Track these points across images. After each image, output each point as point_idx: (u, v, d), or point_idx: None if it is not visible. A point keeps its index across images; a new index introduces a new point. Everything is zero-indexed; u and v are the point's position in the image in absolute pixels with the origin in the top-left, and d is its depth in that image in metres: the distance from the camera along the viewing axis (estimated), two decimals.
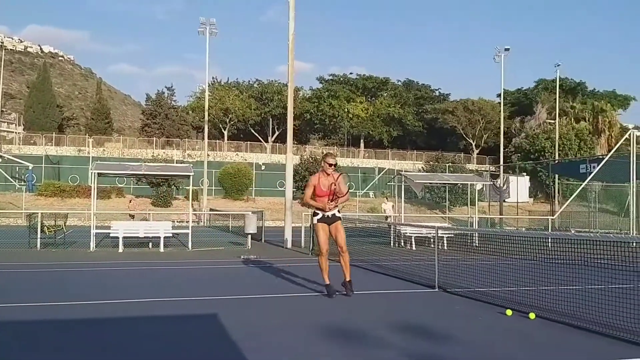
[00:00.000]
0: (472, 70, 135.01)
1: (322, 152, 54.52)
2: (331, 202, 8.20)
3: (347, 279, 8.36)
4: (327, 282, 8.38)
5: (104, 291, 8.90)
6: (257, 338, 5.82)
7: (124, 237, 16.24)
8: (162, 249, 16.21)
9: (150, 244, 17.09)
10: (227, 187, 45.61)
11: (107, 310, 7.28)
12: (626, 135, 21.44)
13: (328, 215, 8.26)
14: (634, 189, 19.94)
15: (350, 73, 75.83)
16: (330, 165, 8.24)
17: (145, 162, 35.35)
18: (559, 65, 49.77)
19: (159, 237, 16.48)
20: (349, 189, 8.58)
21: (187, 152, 56.87)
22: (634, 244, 7.57)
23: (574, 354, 5.37)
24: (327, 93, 71.28)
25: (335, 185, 8.18)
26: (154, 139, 62.33)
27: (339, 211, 8.46)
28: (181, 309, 7.49)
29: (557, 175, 33.55)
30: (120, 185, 41.57)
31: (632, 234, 18.88)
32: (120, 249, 15.93)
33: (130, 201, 30.00)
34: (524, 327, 6.41)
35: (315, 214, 8.32)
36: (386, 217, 25.73)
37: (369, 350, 5.35)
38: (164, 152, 55.98)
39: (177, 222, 27.34)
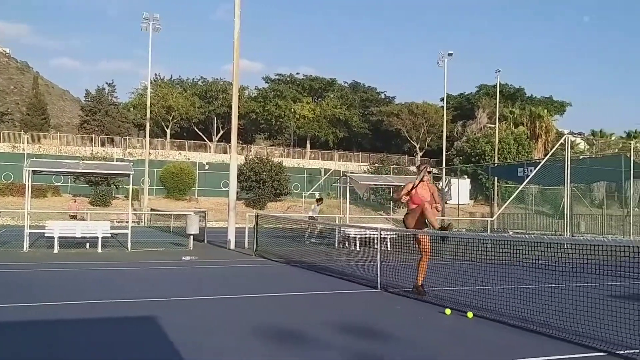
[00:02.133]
0: (417, 74, 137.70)
1: (268, 153, 54.35)
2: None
3: (420, 284, 8.57)
4: (419, 282, 8.52)
5: (34, 293, 8.51)
6: (197, 340, 5.68)
7: (59, 237, 15.63)
8: (100, 250, 15.69)
9: (88, 245, 16.52)
10: (169, 187, 44.75)
11: (35, 313, 6.95)
12: (561, 140, 22.29)
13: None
14: (569, 192, 20.73)
15: (297, 73, 75.84)
16: (430, 172, 8.80)
17: (83, 159, 34.17)
18: (499, 71, 51.39)
19: (97, 238, 15.95)
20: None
21: (128, 151, 55.44)
22: (567, 245, 7.83)
23: (507, 351, 5.49)
24: (273, 93, 70.99)
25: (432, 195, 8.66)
26: (94, 136, 60.43)
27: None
28: (118, 311, 7.23)
29: (496, 178, 34.51)
30: (57, 184, 40.09)
31: (566, 235, 19.62)
32: (56, 249, 15.32)
33: (75, 201, 28.96)
34: (461, 326, 6.53)
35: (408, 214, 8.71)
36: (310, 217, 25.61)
37: (310, 350, 5.31)
38: (103, 150, 54.38)
39: (117, 222, 26.55)
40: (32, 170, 17.29)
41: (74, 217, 25.52)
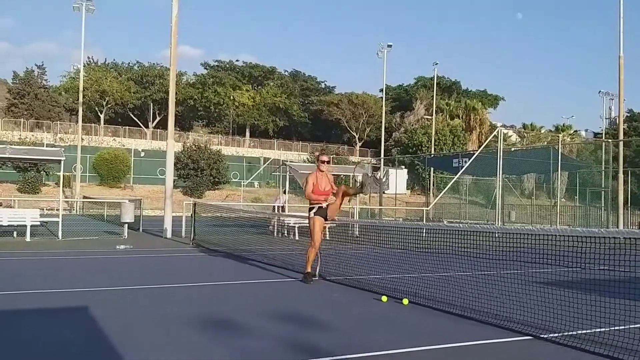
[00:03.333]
0: (357, 65, 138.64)
1: (206, 141, 53.52)
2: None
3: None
4: (309, 270, 8.71)
5: None
6: (127, 332, 5.54)
7: None
8: (28, 239, 15.05)
9: (15, 233, 15.82)
10: (103, 174, 43.44)
11: None
12: (494, 133, 23.04)
13: (324, 206, 8.66)
14: (500, 183, 21.48)
15: (237, 60, 74.88)
16: (323, 162, 8.83)
17: (10, 144, 32.62)
18: (436, 64, 52.60)
19: (25, 226, 15.28)
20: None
21: (59, 136, 53.29)
22: (498, 234, 8.13)
23: (437, 334, 5.64)
24: (212, 80, 69.83)
25: (330, 184, 8.76)
26: (22, 120, 57.62)
27: (352, 207, 9.03)
28: (48, 302, 6.95)
29: (432, 169, 35.33)
30: None
31: (497, 224, 20.35)
32: None
33: None
34: (397, 313, 6.66)
35: (311, 209, 8.66)
36: (275, 208, 25.56)
37: (243, 339, 5.28)
38: (32, 135, 52.06)
39: (47, 210, 25.53)
40: None
41: None
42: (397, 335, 5.65)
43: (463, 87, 75.55)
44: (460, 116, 59.68)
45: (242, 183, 47.27)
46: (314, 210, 8.66)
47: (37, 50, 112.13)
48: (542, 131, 61.59)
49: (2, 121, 58.17)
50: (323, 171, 8.77)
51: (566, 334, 5.36)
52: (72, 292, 7.70)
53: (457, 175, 25.43)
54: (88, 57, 65.80)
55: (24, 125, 56.22)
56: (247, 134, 70.57)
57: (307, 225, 17.62)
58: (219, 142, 62.12)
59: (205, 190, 43.29)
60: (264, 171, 52.75)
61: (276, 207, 21.55)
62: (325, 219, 8.81)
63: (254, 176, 52.89)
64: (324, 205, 8.69)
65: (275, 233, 18.45)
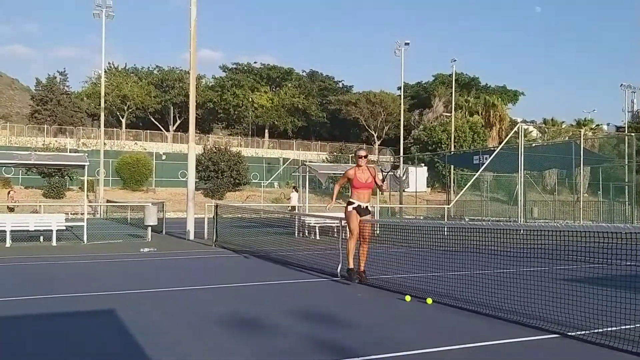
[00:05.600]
0: (375, 63, 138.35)
1: (226, 143, 53.89)
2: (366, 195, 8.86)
3: (362, 269, 8.79)
4: (351, 266, 8.73)
5: None
6: (157, 332, 5.64)
7: (11, 231, 15.19)
8: (54, 243, 15.33)
9: (42, 238, 16.12)
10: (126, 178, 43.96)
11: None
12: (515, 129, 22.81)
13: (362, 207, 8.77)
14: (522, 179, 21.26)
15: (255, 62, 75.27)
16: (361, 157, 8.92)
17: (35, 150, 33.18)
18: (454, 60, 52.26)
19: (51, 230, 15.57)
20: (383, 179, 9.15)
21: (82, 141, 54.05)
22: (522, 231, 8.08)
23: (462, 334, 5.64)
24: (230, 82, 70.27)
25: (373, 178, 8.87)
26: (45, 126, 58.57)
27: (372, 206, 9.10)
28: (76, 305, 7.10)
29: (452, 166, 35.12)
30: (7, 176, 38.85)
31: (520, 221, 20.17)
32: (8, 243, 14.89)
33: (8, 192, 28.06)
34: (422, 312, 6.67)
35: (350, 203, 8.82)
36: (292, 207, 25.79)
37: (270, 338, 5.34)
38: (56, 141, 52.85)
39: (71, 214, 25.94)
40: None
41: (11, 209, 24.73)
42: (424, 334, 5.67)
43: (482, 83, 75.02)
44: (480, 112, 59.25)
45: (262, 184, 47.50)
46: (352, 206, 8.82)
47: (59, 56, 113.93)
48: (563, 126, 60.80)
49: (27, 128, 59.22)
50: (361, 166, 8.90)
51: (594, 331, 5.32)
52: (103, 295, 7.83)
53: (478, 172, 25.24)
54: (109, 63, 66.75)
55: (47, 132, 57.15)
56: (266, 134, 70.87)
57: (327, 225, 17.77)
58: (239, 143, 62.50)
59: (226, 192, 43.57)
60: (284, 171, 52.91)
61: (291, 207, 21.74)
62: (361, 215, 8.87)
63: (273, 177, 53.09)
64: (363, 205, 8.82)
65: (296, 233, 18.51)
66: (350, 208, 8.85)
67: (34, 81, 69.93)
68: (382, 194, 8.71)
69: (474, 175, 26.19)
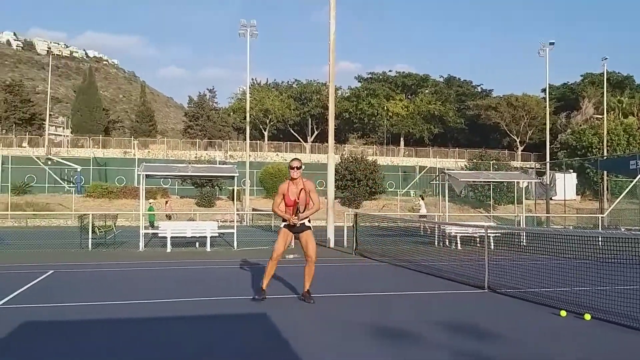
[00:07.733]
0: (516, 65, 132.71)
1: (362, 152, 54.47)
2: (297, 213, 7.84)
3: (306, 289, 8.07)
4: (264, 288, 8.01)
5: (155, 290, 9.12)
6: (303, 336, 5.89)
7: (171, 237, 16.60)
8: (208, 249, 16.48)
9: (197, 244, 17.40)
10: (268, 187, 45.98)
11: (159, 309, 7.47)
12: None
13: (296, 224, 7.88)
14: None
15: (390, 71, 75.50)
16: (292, 168, 7.96)
17: (189, 163, 36.01)
18: (605, 59, 48.35)
19: (206, 237, 16.78)
20: (319, 198, 8.10)
21: (229, 153, 57.57)
22: None
23: (630, 355, 5.24)
24: (365, 92, 71.08)
25: (305, 193, 7.89)
26: (197, 140, 63.34)
27: (309, 221, 8.05)
28: (232, 308, 7.61)
29: (605, 172, 32.60)
30: (165, 186, 42.42)
31: None
32: (169, 248, 16.26)
33: (166, 202, 30.57)
34: (579, 328, 6.30)
35: (283, 219, 8.01)
36: (421, 216, 25.45)
37: (420, 350, 5.35)
38: (206, 154, 56.82)
39: (221, 222, 27.72)
40: (146, 174, 18.47)
41: (168, 217, 26.90)
42: (589, 354, 5.35)
43: (637, 82, 68.89)
44: (635, 114, 54.39)
45: (398, 192, 47.32)
46: (284, 223, 8.00)
47: (208, 76, 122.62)
48: None
49: (181, 142, 64.42)
50: (295, 178, 7.93)
51: None
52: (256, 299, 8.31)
53: (637, 179, 23.20)
54: (252, 79, 70.72)
55: (198, 145, 61.71)
56: (402, 143, 70.63)
57: (469, 234, 17.30)
58: (374, 152, 62.88)
59: (363, 200, 43.98)
60: (420, 180, 52.29)
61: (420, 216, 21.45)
62: (293, 232, 7.98)
63: (410, 185, 52.65)
64: (292, 221, 7.82)
65: (436, 242, 18.23)
66: (282, 225, 8.03)
67: (187, 99, 76.12)
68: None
69: (632, 181, 24.11)
